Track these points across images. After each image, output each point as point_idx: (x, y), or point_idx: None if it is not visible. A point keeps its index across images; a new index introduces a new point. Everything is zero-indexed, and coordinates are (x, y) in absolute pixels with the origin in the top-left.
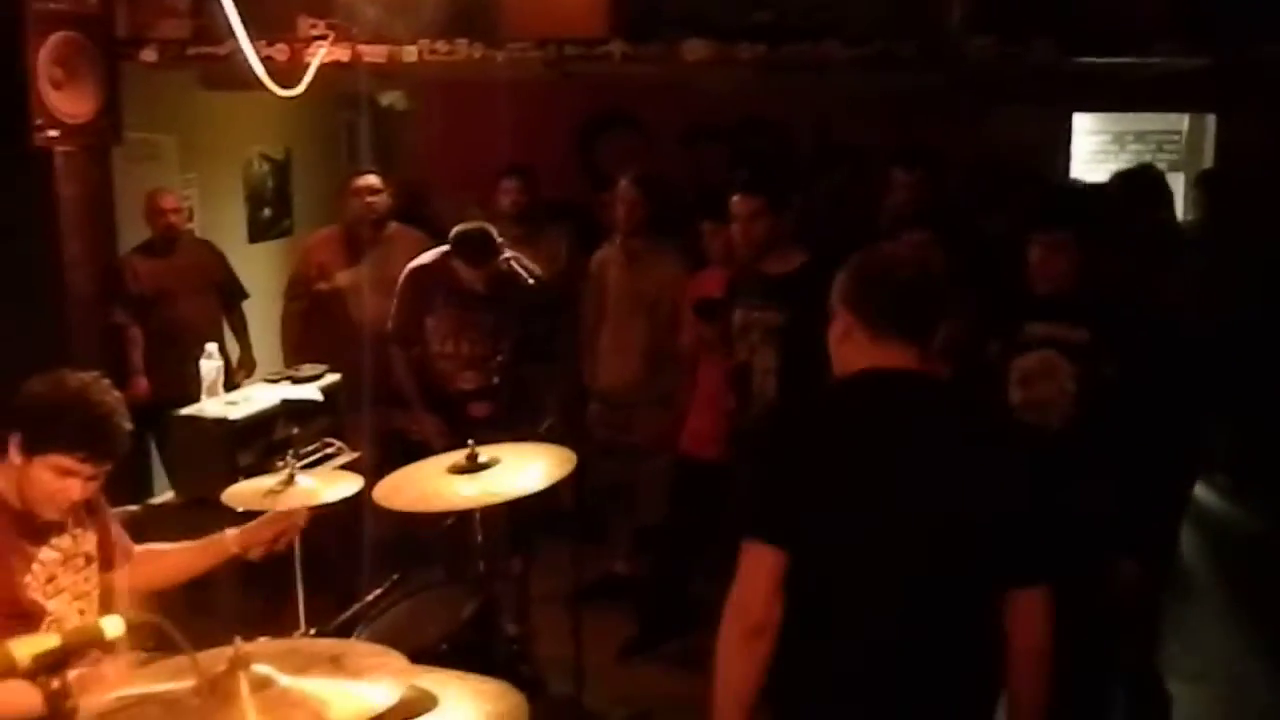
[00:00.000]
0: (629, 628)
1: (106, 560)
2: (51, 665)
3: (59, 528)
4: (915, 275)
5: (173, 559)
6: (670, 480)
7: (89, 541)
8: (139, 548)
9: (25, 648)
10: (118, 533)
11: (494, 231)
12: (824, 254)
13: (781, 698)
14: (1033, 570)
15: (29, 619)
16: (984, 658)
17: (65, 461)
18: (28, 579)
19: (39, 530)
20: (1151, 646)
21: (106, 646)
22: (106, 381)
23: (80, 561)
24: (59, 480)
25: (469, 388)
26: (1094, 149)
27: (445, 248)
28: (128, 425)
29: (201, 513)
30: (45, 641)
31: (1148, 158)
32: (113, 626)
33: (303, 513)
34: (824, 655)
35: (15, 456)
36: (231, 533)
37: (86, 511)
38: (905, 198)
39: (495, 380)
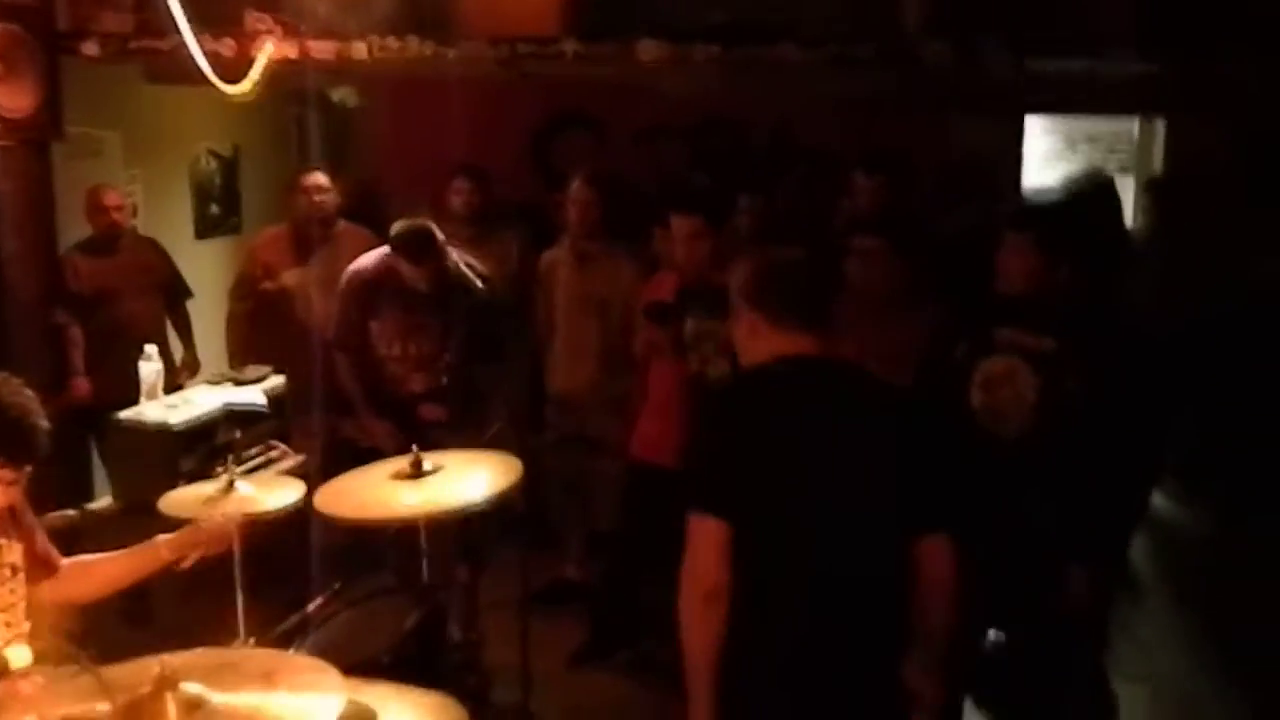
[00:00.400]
0: (580, 634)
1: (32, 572)
2: None
3: None
4: (808, 268)
5: (103, 569)
6: (622, 485)
7: (14, 552)
8: (67, 560)
9: None
10: (43, 543)
11: (435, 229)
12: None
13: (732, 661)
14: (935, 519)
15: None
16: (901, 600)
17: None
18: None
19: None
20: (1100, 649)
21: (12, 677)
22: (16, 381)
23: (5, 573)
24: None
25: (419, 389)
26: (1046, 150)
27: (387, 248)
28: (44, 424)
29: (141, 519)
30: None
31: (1099, 160)
32: (18, 657)
33: (236, 518)
34: (766, 616)
35: None
36: (163, 539)
37: (10, 521)
38: (866, 203)
39: (444, 381)
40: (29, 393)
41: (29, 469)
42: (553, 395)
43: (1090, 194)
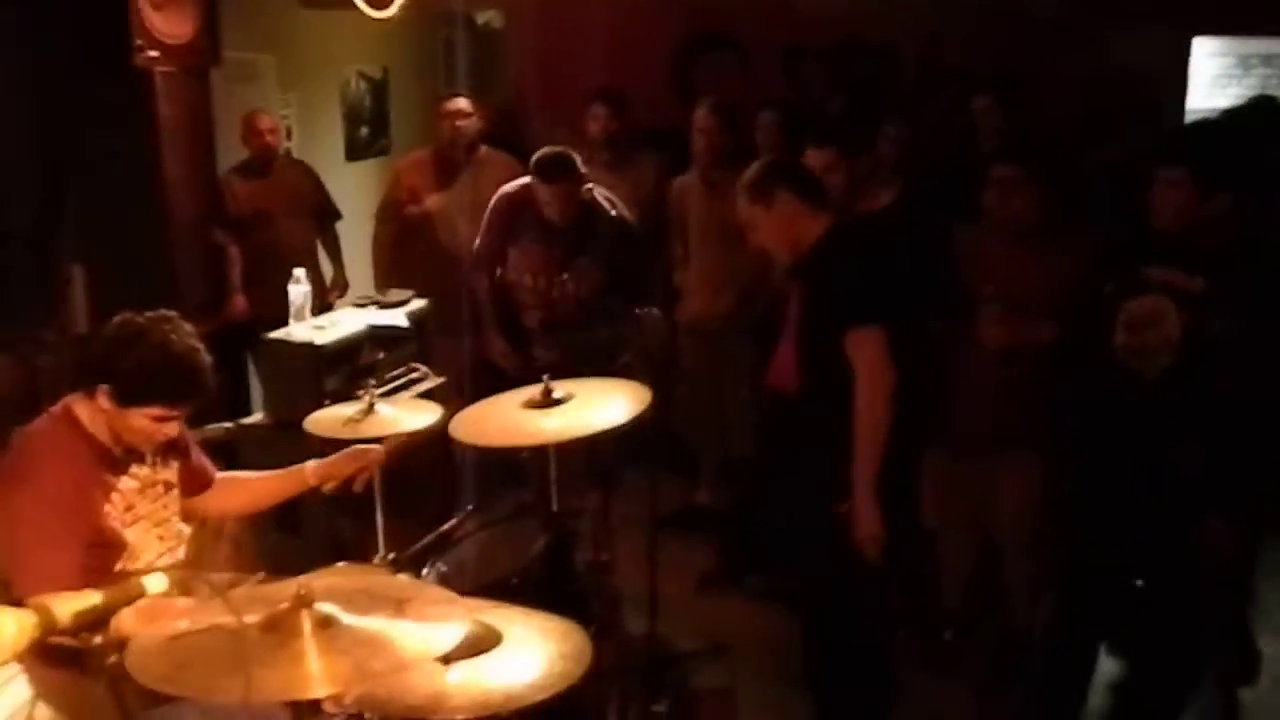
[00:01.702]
0: (710, 559)
1: (187, 486)
2: (92, 623)
3: (139, 457)
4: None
5: (253, 487)
6: (757, 412)
7: (169, 469)
8: (221, 475)
9: (65, 605)
10: (198, 459)
11: (575, 157)
12: (919, 186)
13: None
14: None
15: (109, 548)
16: None
17: (162, 411)
18: (107, 508)
19: (118, 461)
20: (1243, 602)
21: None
22: (184, 323)
23: (159, 489)
24: (156, 425)
25: (533, 324)
26: (1216, 73)
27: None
28: (209, 361)
29: (289, 435)
30: (85, 599)
31: (1275, 84)
32: (155, 584)
33: (380, 451)
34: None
35: (106, 404)
36: (311, 465)
37: (167, 441)
38: (987, 127)
39: (564, 315)
40: (189, 328)
41: (192, 408)
42: (688, 322)
43: (1254, 121)
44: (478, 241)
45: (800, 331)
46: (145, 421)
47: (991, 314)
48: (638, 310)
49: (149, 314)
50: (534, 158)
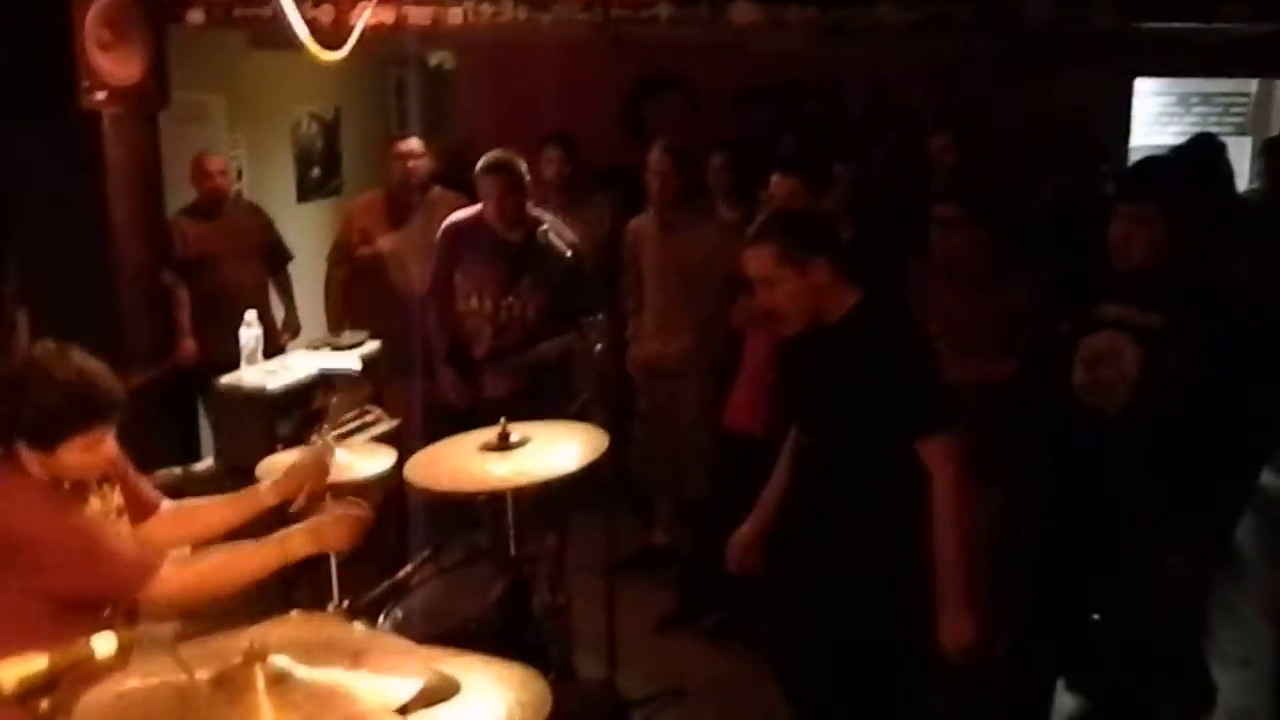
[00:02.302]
0: (667, 601)
1: (133, 511)
2: (40, 688)
3: (87, 490)
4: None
5: (207, 513)
6: (713, 453)
7: (117, 495)
8: (171, 503)
9: (11, 671)
10: (138, 482)
11: (517, 161)
12: (873, 225)
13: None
14: None
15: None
16: None
17: (94, 436)
18: None
19: (69, 496)
20: (1197, 635)
21: (98, 665)
22: (53, 346)
23: (113, 516)
24: (88, 455)
25: (486, 350)
26: (1157, 111)
27: (480, 206)
28: (102, 370)
29: (241, 481)
30: (32, 665)
31: (1214, 121)
32: (103, 646)
33: (328, 449)
34: None
35: (31, 460)
36: (264, 485)
37: (108, 466)
38: (939, 165)
39: (504, 323)
40: (80, 352)
41: (113, 422)
42: (643, 362)
43: (1198, 156)
44: (430, 272)
45: (822, 411)
46: (76, 455)
47: (939, 351)
48: (583, 320)
49: (22, 359)
50: (482, 160)
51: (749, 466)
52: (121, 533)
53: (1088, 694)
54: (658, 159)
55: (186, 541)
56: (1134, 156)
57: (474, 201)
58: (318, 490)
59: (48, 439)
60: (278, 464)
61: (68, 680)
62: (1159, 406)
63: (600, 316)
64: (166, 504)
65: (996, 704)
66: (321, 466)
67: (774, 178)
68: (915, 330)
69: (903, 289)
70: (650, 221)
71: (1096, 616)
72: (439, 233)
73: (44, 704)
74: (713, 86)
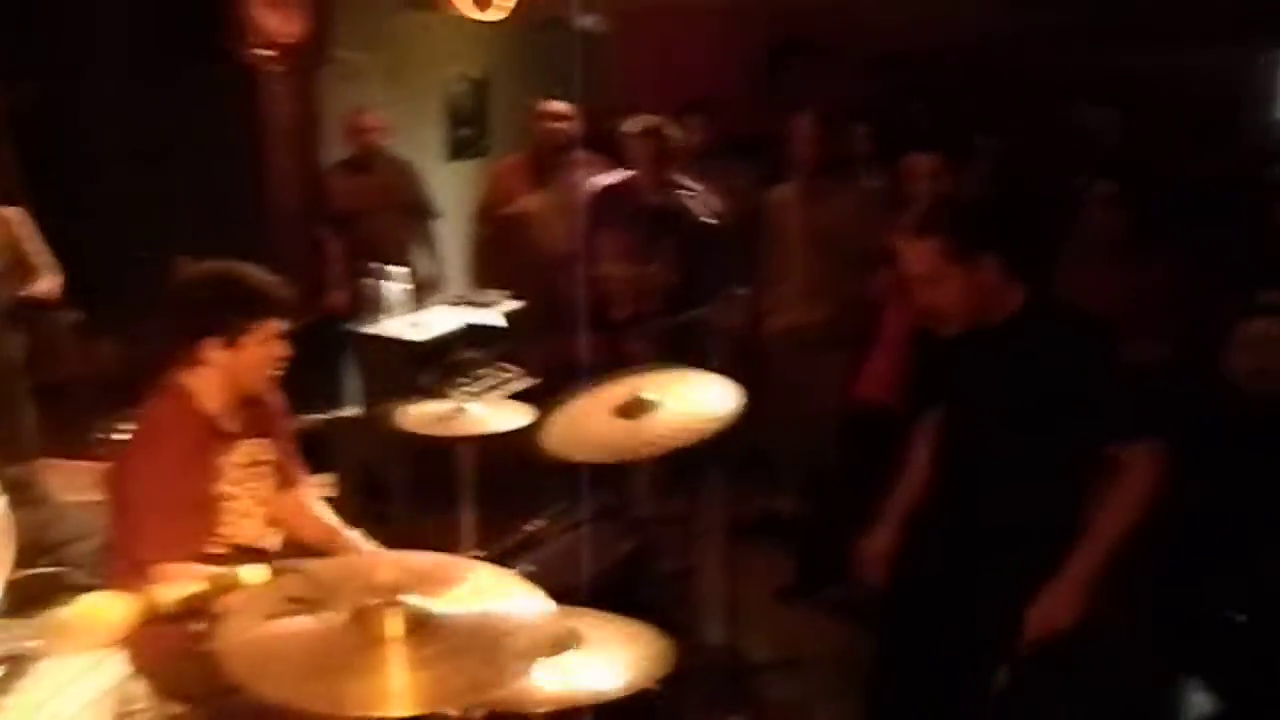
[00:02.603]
0: (789, 570)
1: (284, 478)
2: (195, 610)
3: (243, 434)
4: None
5: (311, 525)
6: (844, 423)
7: (269, 450)
8: (314, 499)
9: (167, 592)
10: (290, 455)
11: (669, 127)
12: (1016, 200)
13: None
14: None
15: (220, 522)
16: None
17: (271, 327)
18: (220, 482)
19: (226, 435)
20: None
21: (247, 593)
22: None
23: (262, 469)
24: (267, 348)
25: (622, 316)
26: None
27: (631, 171)
28: (275, 280)
29: (382, 428)
30: (189, 588)
31: None
32: (254, 575)
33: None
34: None
35: (217, 355)
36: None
37: (268, 424)
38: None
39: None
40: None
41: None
42: (781, 332)
43: None
44: (577, 238)
45: (991, 419)
46: (258, 351)
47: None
48: (723, 290)
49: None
50: (635, 125)
51: (879, 438)
52: (256, 487)
53: (1222, 694)
54: (806, 126)
55: (286, 531)
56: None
57: (617, 165)
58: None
59: (235, 331)
60: (415, 414)
61: (220, 605)
62: None
63: (742, 291)
64: (307, 491)
65: (1110, 690)
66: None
67: (910, 156)
68: (1101, 326)
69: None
70: (793, 190)
71: (1242, 617)
72: (587, 194)
73: (198, 626)
74: (852, 52)
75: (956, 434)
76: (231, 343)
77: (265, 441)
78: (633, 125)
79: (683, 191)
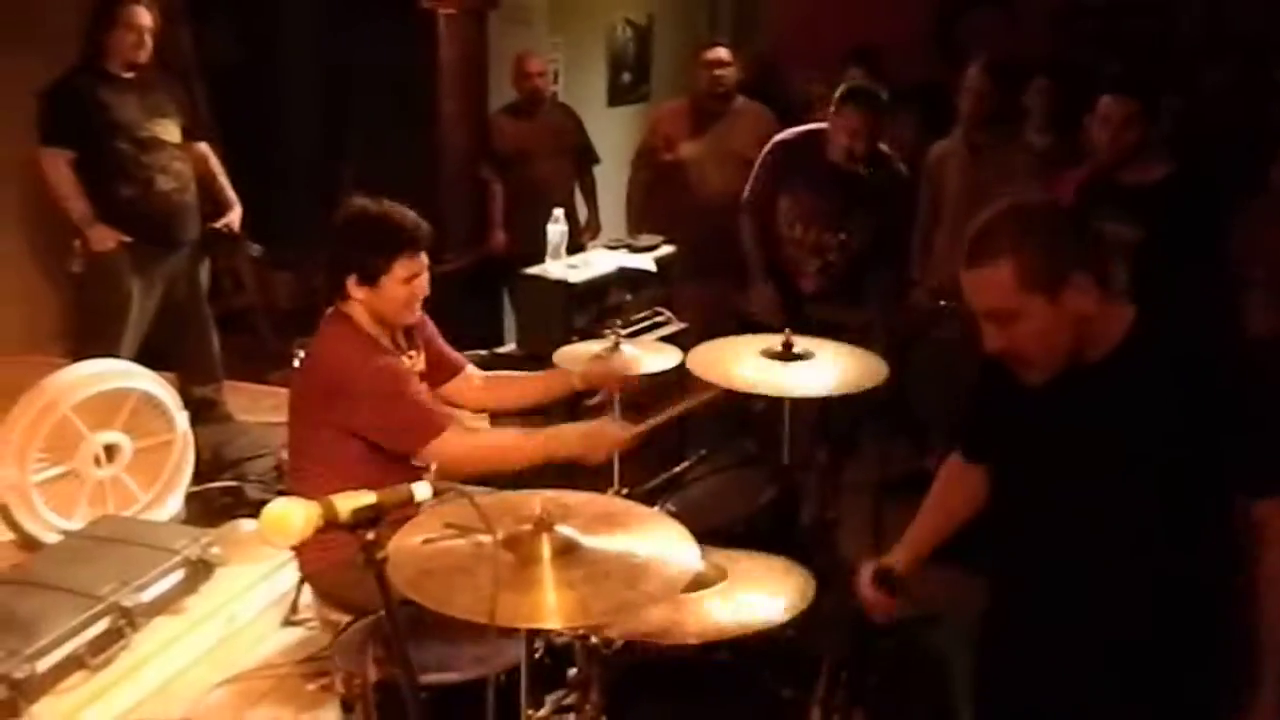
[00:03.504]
0: None
1: (435, 374)
2: (368, 520)
3: (402, 346)
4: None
5: (518, 386)
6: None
7: (420, 362)
8: (483, 372)
9: (347, 503)
10: (442, 346)
11: (879, 90)
12: (1193, 164)
13: None
14: None
15: None
16: None
17: (408, 265)
18: None
19: (388, 352)
20: None
21: (415, 508)
22: (370, 197)
23: (417, 379)
24: (407, 286)
25: (810, 287)
26: None
27: (814, 126)
28: (407, 208)
29: (539, 366)
30: (363, 499)
31: None
32: (422, 491)
33: (635, 377)
34: None
35: (359, 291)
36: (578, 370)
37: (417, 333)
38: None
39: (832, 259)
40: (389, 201)
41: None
42: (937, 287)
43: None
44: (749, 184)
45: (1091, 476)
46: (398, 287)
47: (1259, 300)
48: (911, 301)
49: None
50: (841, 91)
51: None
52: (422, 390)
53: None
54: (975, 77)
55: (491, 408)
56: None
57: (778, 113)
58: (618, 390)
59: (373, 270)
60: (573, 353)
61: (390, 519)
62: None
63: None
64: (474, 370)
65: None
66: (625, 380)
67: (1105, 99)
68: (1237, 351)
69: (1227, 232)
70: (957, 144)
71: None
72: (767, 148)
73: (370, 535)
74: (1034, 3)
75: (1050, 493)
76: (372, 280)
77: (414, 354)
78: (842, 88)
79: (886, 155)
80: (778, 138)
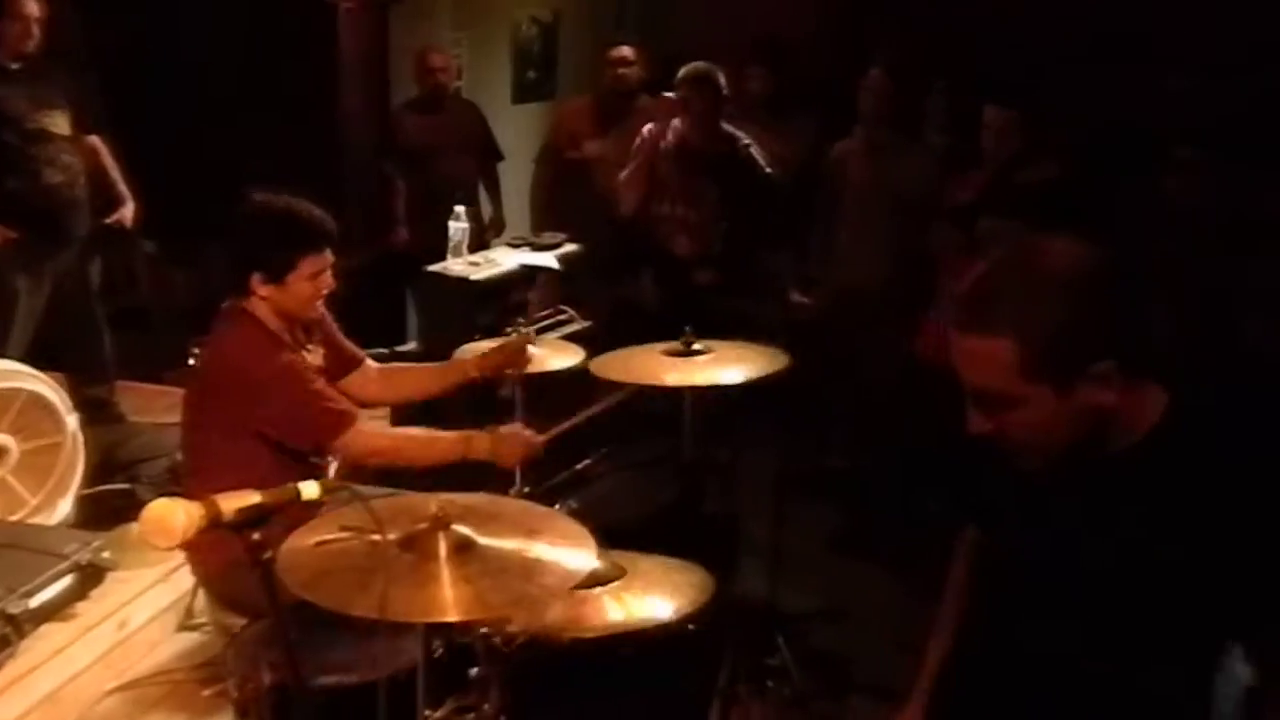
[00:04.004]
0: (836, 523)
1: (334, 368)
2: (253, 520)
3: (298, 346)
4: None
5: (414, 377)
6: (900, 381)
7: (319, 356)
8: (379, 364)
9: (230, 503)
10: (341, 340)
11: (716, 72)
12: (1086, 166)
13: None
14: None
15: None
16: None
17: (315, 262)
18: None
19: (293, 348)
20: None
21: (303, 507)
22: (275, 192)
23: (314, 374)
24: (313, 282)
25: (684, 252)
26: None
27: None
28: (313, 206)
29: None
30: (248, 498)
31: None
32: (309, 490)
33: (530, 335)
34: None
35: (263, 288)
36: (471, 358)
37: (315, 327)
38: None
39: (714, 248)
40: (294, 197)
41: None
42: (839, 287)
43: None
44: (625, 172)
45: (1111, 606)
46: (304, 283)
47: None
48: (793, 297)
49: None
50: (681, 70)
51: (936, 398)
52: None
53: None
54: (876, 78)
55: (389, 401)
56: None
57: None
58: (518, 374)
59: (279, 267)
60: (476, 351)
61: (277, 518)
62: None
63: (807, 301)
64: (371, 363)
65: None
66: (524, 352)
67: (989, 108)
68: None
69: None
70: (859, 143)
71: None
72: (643, 130)
73: (255, 535)
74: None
75: (1059, 628)
76: (278, 277)
77: (315, 348)
78: (683, 71)
79: (739, 140)
80: (649, 125)
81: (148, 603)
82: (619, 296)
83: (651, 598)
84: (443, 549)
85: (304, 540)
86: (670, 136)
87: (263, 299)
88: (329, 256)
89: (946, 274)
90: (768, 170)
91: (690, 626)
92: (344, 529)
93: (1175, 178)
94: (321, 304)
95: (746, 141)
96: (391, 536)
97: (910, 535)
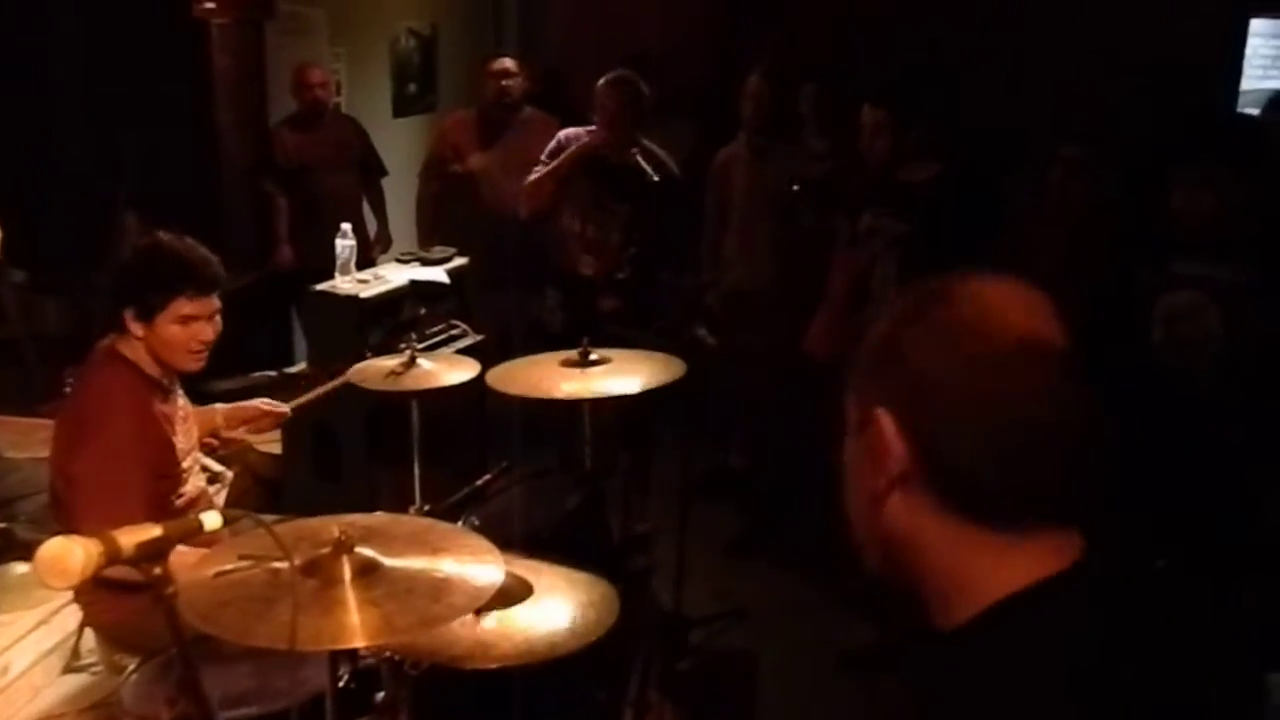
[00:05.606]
0: (740, 523)
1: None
2: (153, 554)
3: (171, 389)
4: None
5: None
6: (792, 380)
7: (185, 399)
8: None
9: (130, 537)
10: None
11: (639, 81)
12: (961, 164)
13: None
14: None
15: (174, 478)
16: None
17: (188, 305)
18: (173, 439)
19: (167, 390)
20: None
21: (205, 538)
22: (164, 232)
23: (189, 419)
24: (185, 328)
25: (589, 272)
26: (1272, 54)
27: (591, 127)
28: (203, 250)
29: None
30: (148, 531)
31: None
32: (211, 521)
33: (286, 412)
34: None
35: (136, 328)
36: (222, 408)
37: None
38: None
39: (621, 272)
40: (182, 238)
41: (217, 298)
42: (727, 289)
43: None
44: (531, 175)
45: None
46: (172, 327)
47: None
48: (698, 332)
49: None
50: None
51: (824, 393)
52: (191, 432)
53: None
54: (755, 84)
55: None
56: (1244, 102)
57: (566, 122)
58: (261, 429)
59: (149, 306)
60: (367, 370)
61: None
62: (1250, 366)
63: (710, 339)
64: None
65: None
66: (268, 421)
67: (864, 107)
68: None
69: (1006, 233)
70: (741, 148)
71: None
72: (553, 140)
73: (156, 569)
74: (810, 12)
75: None
76: (147, 317)
77: (180, 392)
78: (607, 75)
79: (647, 151)
80: (563, 136)
81: (29, 647)
82: (524, 313)
83: (561, 609)
84: (347, 573)
85: (201, 572)
86: (585, 140)
87: (138, 339)
88: (209, 303)
89: (834, 271)
90: (655, 177)
91: (597, 637)
92: (243, 558)
93: (1061, 175)
94: (203, 357)
95: (636, 149)
96: (296, 562)
97: (808, 533)
